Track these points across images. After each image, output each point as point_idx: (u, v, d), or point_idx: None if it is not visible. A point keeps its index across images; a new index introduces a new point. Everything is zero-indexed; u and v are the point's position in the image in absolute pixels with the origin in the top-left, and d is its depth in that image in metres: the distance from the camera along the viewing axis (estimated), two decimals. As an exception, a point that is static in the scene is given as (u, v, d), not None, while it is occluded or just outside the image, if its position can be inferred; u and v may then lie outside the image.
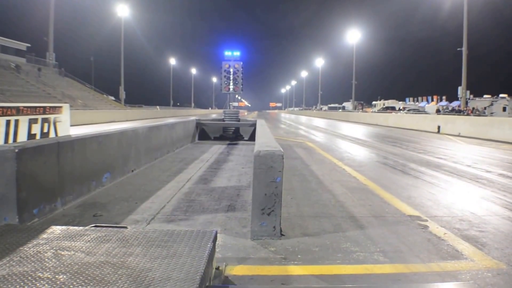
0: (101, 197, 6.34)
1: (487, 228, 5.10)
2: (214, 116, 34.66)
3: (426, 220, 5.39)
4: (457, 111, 41.49)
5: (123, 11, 54.11)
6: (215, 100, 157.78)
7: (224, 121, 17.74)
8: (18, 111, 6.09)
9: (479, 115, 34.30)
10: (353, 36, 59.96)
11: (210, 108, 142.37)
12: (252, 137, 16.34)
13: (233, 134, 17.49)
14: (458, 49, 35.78)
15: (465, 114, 35.88)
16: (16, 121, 6.12)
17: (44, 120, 6.77)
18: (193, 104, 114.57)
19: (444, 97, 75.93)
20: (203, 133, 17.13)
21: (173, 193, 6.69)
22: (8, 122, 5.94)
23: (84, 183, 6.32)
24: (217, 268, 3.48)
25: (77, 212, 5.48)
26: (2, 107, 5.90)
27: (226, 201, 6.25)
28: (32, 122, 6.42)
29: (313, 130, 28.11)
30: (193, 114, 62.28)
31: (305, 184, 7.72)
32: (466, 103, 41.28)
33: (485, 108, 46.24)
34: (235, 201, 6.24)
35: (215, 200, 6.30)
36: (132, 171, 8.48)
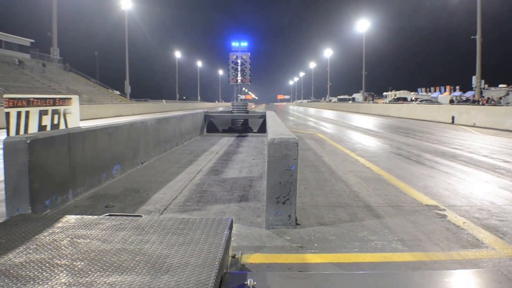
0: (112, 188, 6.31)
1: (508, 217, 4.98)
2: (221, 109, 34.59)
3: (444, 210, 5.28)
4: (472, 101, 40.84)
5: (126, 4, 53.16)
6: (221, 93, 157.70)
7: (232, 113, 17.60)
8: (29, 102, 6.05)
9: (494, 105, 33.49)
10: (363, 25, 58.64)
11: (216, 101, 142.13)
12: (261, 129, 16.25)
13: (242, 126, 17.36)
14: (472, 37, 34.95)
15: (480, 104, 35.23)
16: (27, 113, 6.08)
17: (54, 112, 6.73)
18: (199, 98, 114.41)
19: (457, 87, 74.88)
20: (211, 125, 17.07)
21: (184, 184, 6.64)
22: (19, 114, 5.90)
23: (95, 175, 6.29)
24: (233, 257, 3.43)
25: (88, 203, 5.45)
26: (13, 99, 5.86)
27: (238, 191, 6.19)
28: (42, 113, 6.37)
29: (323, 122, 27.96)
30: (200, 108, 62.28)
31: (318, 175, 7.62)
32: (481, 93, 40.47)
33: (500, 98, 45.35)
34: (248, 192, 6.17)
35: (227, 190, 6.24)
36: (142, 163, 8.45)
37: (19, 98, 5.95)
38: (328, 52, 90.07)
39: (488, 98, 44.20)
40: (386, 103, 56.80)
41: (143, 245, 2.76)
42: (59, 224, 3.20)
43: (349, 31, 68.98)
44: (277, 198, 4.45)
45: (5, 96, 5.73)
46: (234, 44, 18.83)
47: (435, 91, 79.81)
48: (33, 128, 6.10)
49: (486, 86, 45.21)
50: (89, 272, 2.30)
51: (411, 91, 76.03)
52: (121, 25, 54.74)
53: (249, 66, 18.79)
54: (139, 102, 58.31)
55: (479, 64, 35.26)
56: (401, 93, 69.91)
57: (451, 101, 49.33)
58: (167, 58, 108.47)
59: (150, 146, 9.20)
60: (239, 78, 18.83)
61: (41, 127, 6.32)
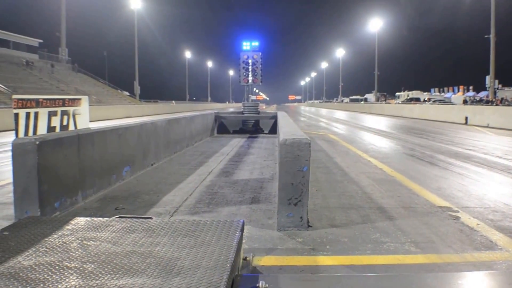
0: (122, 190, 6.30)
1: (523, 219, 4.88)
2: (232, 109, 34.57)
3: (458, 211, 5.20)
4: (486, 102, 40.26)
5: (136, 4, 52.76)
6: (232, 94, 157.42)
7: (243, 114, 17.53)
8: (38, 103, 6.04)
9: (508, 106, 32.97)
10: (375, 25, 57.78)
11: (227, 102, 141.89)
12: (272, 130, 16.18)
13: (253, 127, 17.28)
14: (486, 36, 34.34)
15: (494, 104, 34.66)
16: (36, 114, 6.07)
17: (63, 113, 6.72)
18: (209, 98, 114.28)
19: (471, 88, 73.83)
20: (222, 126, 17.04)
21: (195, 186, 6.62)
22: (27, 115, 5.90)
23: (104, 177, 6.28)
24: (245, 259, 3.40)
25: (98, 206, 5.45)
26: (22, 100, 5.87)
27: (249, 193, 6.15)
28: (51, 114, 6.37)
29: (335, 123, 27.81)
30: (210, 108, 62.22)
31: (330, 176, 7.56)
32: (495, 93, 39.76)
33: (515, 98, 44.79)
34: (259, 193, 6.13)
35: (238, 192, 6.21)
36: (152, 164, 8.45)
37: (28, 99, 5.96)
38: (340, 52, 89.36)
39: (502, 99, 43.55)
40: (398, 103, 56.27)
41: (153, 247, 2.73)
42: (69, 226, 3.18)
43: (362, 30, 68.19)
44: (289, 199, 4.40)
45: (13, 97, 5.74)
46: (245, 44, 18.75)
47: (448, 91, 78.86)
48: (42, 129, 6.10)
49: (500, 86, 44.49)
50: (99, 275, 2.28)
51: (424, 91, 75.48)
52: (130, 25, 54.50)
53: (260, 66, 18.70)
54: (148, 103, 58.28)
55: (493, 64, 34.59)
56: (414, 94, 69.45)
57: (465, 102, 48.70)
58: (177, 58, 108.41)
59: (160, 148, 9.19)
60: (250, 78, 18.74)
61: (50, 128, 6.32)
